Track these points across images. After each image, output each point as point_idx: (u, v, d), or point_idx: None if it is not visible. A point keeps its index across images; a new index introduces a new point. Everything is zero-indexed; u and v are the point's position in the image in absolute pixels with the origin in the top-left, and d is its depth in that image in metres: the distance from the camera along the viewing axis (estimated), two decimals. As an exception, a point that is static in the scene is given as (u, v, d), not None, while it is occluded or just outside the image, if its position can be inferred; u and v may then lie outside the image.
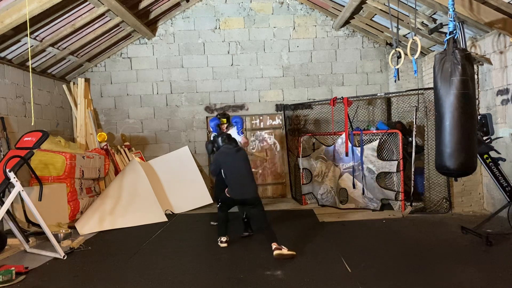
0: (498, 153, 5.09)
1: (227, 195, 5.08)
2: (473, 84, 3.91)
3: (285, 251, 4.51)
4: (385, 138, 6.83)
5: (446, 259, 4.29)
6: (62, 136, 7.61)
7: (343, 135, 7.03)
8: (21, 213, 5.58)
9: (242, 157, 5.05)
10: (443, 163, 3.95)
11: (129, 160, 8.00)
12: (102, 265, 4.57)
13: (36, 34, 6.43)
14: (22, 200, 5.16)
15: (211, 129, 6.72)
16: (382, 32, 8.13)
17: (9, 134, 6.31)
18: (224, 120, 6.63)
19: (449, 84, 3.79)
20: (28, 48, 6.30)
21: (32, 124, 6.06)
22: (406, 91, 7.34)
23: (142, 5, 7.49)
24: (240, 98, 8.73)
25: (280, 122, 8.85)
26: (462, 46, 4.11)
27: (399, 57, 4.81)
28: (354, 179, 6.92)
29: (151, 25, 8.49)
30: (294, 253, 4.54)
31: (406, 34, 7.47)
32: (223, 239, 5.10)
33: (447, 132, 3.85)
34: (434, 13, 6.35)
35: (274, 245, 4.55)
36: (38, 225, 5.02)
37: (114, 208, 6.50)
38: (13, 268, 4.11)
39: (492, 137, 5.07)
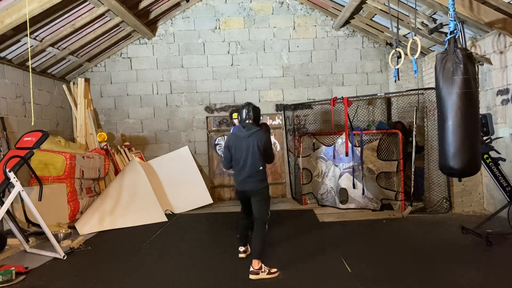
0: (498, 153, 5.09)
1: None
2: (475, 83, 3.90)
3: (263, 275, 3.98)
4: (385, 138, 6.83)
5: (446, 259, 4.29)
6: (62, 136, 7.61)
7: (343, 135, 7.02)
8: (21, 213, 5.58)
9: (253, 143, 4.23)
10: (446, 163, 3.92)
11: (129, 160, 8.00)
12: (102, 265, 4.57)
13: (36, 34, 6.43)
14: (22, 200, 5.16)
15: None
16: (382, 32, 8.14)
17: (9, 134, 6.31)
18: (236, 115, 5.78)
19: (451, 83, 3.78)
20: (28, 48, 6.30)
21: (32, 124, 6.07)
22: (406, 91, 7.35)
23: (142, 5, 7.49)
24: (240, 98, 8.72)
25: (280, 122, 8.85)
26: (462, 46, 4.10)
27: (399, 57, 4.80)
28: (354, 179, 6.92)
29: (151, 25, 8.49)
30: (276, 274, 4.02)
31: (406, 34, 7.47)
32: (240, 249, 4.66)
33: (450, 131, 3.83)
34: (434, 13, 6.35)
35: (252, 266, 4.02)
36: (38, 225, 5.02)
37: (114, 208, 6.50)
38: (13, 268, 4.12)
39: (492, 137, 5.07)
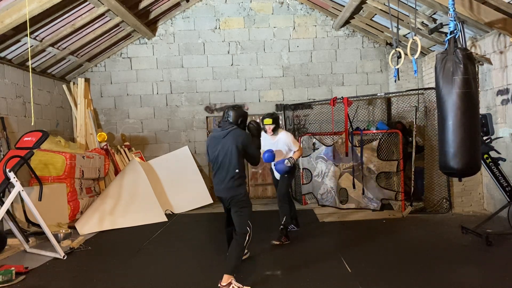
0: (498, 153, 5.09)
1: None
2: (475, 83, 3.89)
3: None
4: (385, 138, 6.83)
5: (446, 259, 4.29)
6: (62, 136, 7.61)
7: (343, 135, 7.02)
8: (21, 213, 5.58)
9: (229, 143, 3.82)
10: (447, 163, 3.92)
11: (129, 160, 8.00)
12: (102, 265, 4.57)
13: (36, 34, 6.43)
14: (22, 200, 5.16)
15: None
16: (382, 32, 8.13)
17: (9, 134, 6.31)
18: (269, 120, 5.15)
19: (451, 83, 3.78)
20: (28, 48, 6.29)
21: (32, 124, 6.06)
22: (406, 91, 7.35)
23: (142, 5, 7.49)
24: (240, 98, 8.73)
25: (280, 122, 8.84)
26: (462, 46, 4.10)
27: (399, 57, 4.80)
28: (354, 179, 6.92)
29: (151, 25, 8.49)
30: None
31: (406, 34, 7.47)
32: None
33: (450, 132, 3.82)
34: (434, 13, 6.35)
35: (221, 281, 3.64)
36: (38, 225, 5.02)
37: (114, 208, 6.50)
38: (13, 268, 4.11)
39: (492, 137, 5.06)
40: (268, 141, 5.26)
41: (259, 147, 4.33)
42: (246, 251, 4.48)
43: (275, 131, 5.22)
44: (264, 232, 5.48)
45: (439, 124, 4.02)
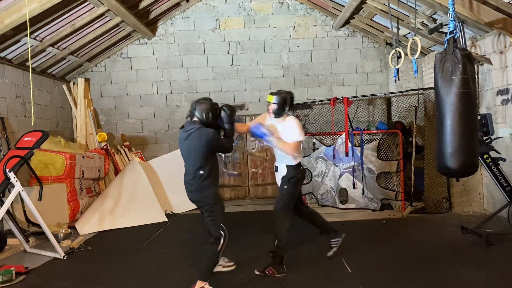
0: (498, 153, 5.09)
1: None
2: (474, 83, 3.89)
3: None
4: (385, 138, 6.83)
5: (446, 259, 4.29)
6: (62, 136, 7.61)
7: (343, 135, 7.02)
8: (21, 213, 5.58)
9: (192, 145, 3.66)
10: (444, 163, 3.91)
11: (129, 160, 8.00)
12: (102, 265, 4.57)
13: (36, 34, 6.43)
14: (22, 200, 5.16)
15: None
16: (382, 32, 8.14)
17: (9, 134, 6.31)
18: (271, 97, 4.32)
19: (450, 83, 3.78)
20: (28, 48, 6.29)
21: (32, 124, 6.05)
22: (406, 91, 7.34)
23: (142, 5, 7.49)
24: (240, 98, 8.73)
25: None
26: (462, 46, 4.09)
27: (399, 57, 4.80)
28: (354, 179, 6.92)
29: (151, 25, 8.50)
30: None
31: (406, 34, 7.47)
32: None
33: (448, 131, 3.82)
34: (434, 13, 6.35)
35: (194, 287, 3.55)
36: (38, 225, 5.02)
37: (114, 208, 6.50)
38: (13, 268, 4.11)
39: (492, 137, 5.06)
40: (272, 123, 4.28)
41: (232, 134, 3.93)
42: (232, 263, 4.28)
43: (278, 115, 4.25)
44: (263, 232, 5.48)
45: (437, 124, 4.01)
